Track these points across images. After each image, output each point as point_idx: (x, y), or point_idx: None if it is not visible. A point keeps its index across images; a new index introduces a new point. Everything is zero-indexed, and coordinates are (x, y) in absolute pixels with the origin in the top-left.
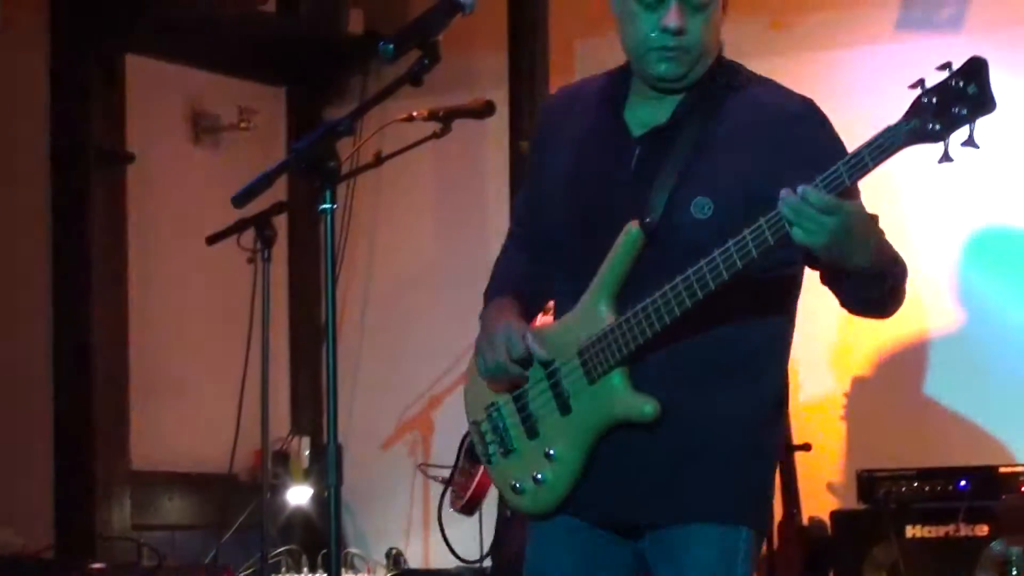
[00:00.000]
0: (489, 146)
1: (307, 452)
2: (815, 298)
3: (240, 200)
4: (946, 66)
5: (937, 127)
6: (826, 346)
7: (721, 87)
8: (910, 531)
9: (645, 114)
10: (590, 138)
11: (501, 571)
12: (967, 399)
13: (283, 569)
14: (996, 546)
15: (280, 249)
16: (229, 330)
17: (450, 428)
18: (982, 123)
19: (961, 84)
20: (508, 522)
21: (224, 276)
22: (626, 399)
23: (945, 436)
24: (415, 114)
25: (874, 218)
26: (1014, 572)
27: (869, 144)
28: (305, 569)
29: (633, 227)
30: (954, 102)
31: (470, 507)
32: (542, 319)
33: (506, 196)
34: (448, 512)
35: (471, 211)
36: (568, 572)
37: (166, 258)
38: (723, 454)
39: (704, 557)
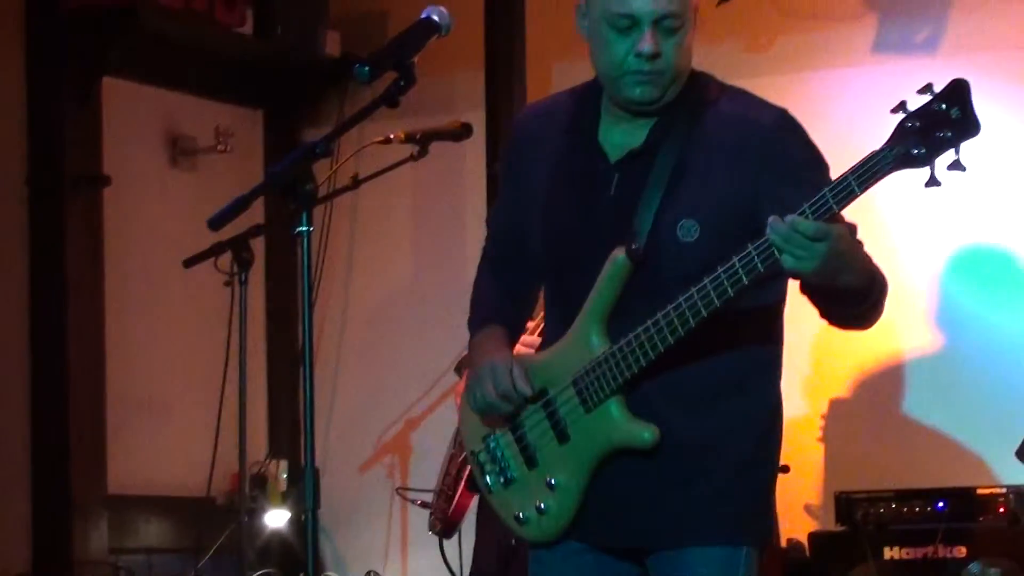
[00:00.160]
0: (466, 168)
1: (285, 475)
2: (791, 319)
3: (217, 223)
4: (927, 89)
5: (922, 152)
6: (803, 367)
7: (695, 104)
8: (888, 553)
9: (619, 137)
10: (566, 163)
11: None
12: (945, 419)
13: None
14: (974, 568)
15: (257, 272)
16: (206, 353)
17: (428, 451)
18: (966, 145)
19: (944, 107)
20: (515, 551)
21: (201, 299)
22: (624, 427)
23: (923, 457)
24: (392, 136)
25: (853, 228)
26: None
27: (855, 171)
28: None
29: (619, 254)
30: (938, 126)
31: (449, 529)
32: (527, 337)
33: (483, 218)
34: (425, 534)
35: (448, 233)
36: None
37: (143, 281)
38: (720, 475)
39: None
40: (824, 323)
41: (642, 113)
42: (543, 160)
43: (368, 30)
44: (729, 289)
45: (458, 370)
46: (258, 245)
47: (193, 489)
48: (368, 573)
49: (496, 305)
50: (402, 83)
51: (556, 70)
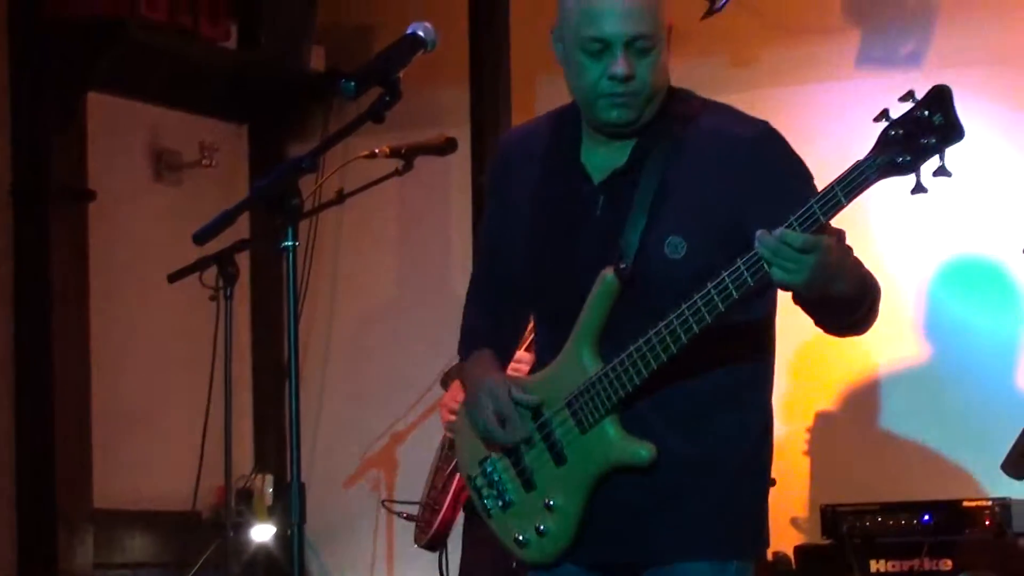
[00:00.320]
0: (451, 182)
1: (270, 489)
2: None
3: (202, 238)
4: (909, 96)
5: (907, 159)
6: (788, 379)
7: (675, 120)
8: (874, 566)
9: (602, 159)
10: (550, 186)
11: None
12: (930, 432)
13: None
14: None
15: (243, 286)
16: (192, 368)
17: (413, 465)
18: (950, 152)
19: (927, 114)
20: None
21: (186, 314)
22: (621, 446)
23: (909, 469)
24: (377, 151)
25: (841, 234)
26: None
27: (840, 181)
28: None
29: (608, 274)
30: (921, 132)
31: (434, 543)
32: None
33: (469, 232)
34: (412, 548)
35: (434, 247)
36: None
37: (128, 296)
38: (714, 491)
39: None
40: (810, 335)
41: (621, 135)
42: (527, 183)
43: (353, 45)
44: (720, 305)
45: (444, 383)
46: (243, 260)
47: (178, 503)
48: None
49: (484, 330)
50: (387, 98)
51: (540, 84)
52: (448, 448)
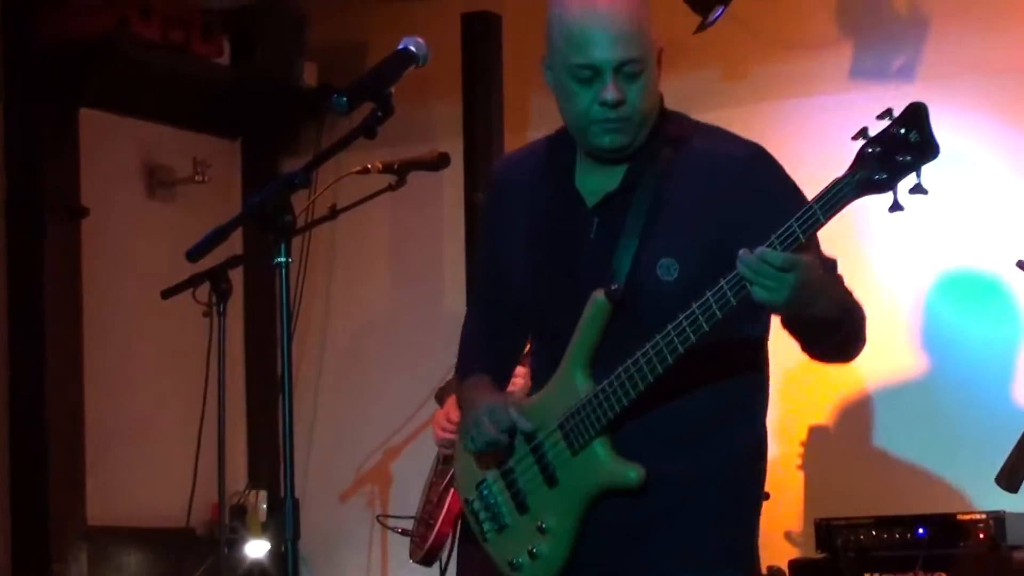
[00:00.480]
0: (444, 198)
1: (264, 505)
2: (771, 347)
3: (195, 254)
4: (886, 114)
5: (884, 177)
6: (781, 392)
7: (668, 143)
8: None
9: (596, 182)
10: (545, 210)
11: None
12: (924, 446)
13: None
14: None
15: (236, 302)
16: (185, 384)
17: (408, 479)
18: (930, 169)
19: (903, 131)
20: None
21: (180, 330)
22: (610, 467)
23: (903, 483)
24: (370, 166)
25: (833, 262)
26: None
27: (819, 199)
28: None
29: (599, 296)
30: (898, 150)
31: (429, 558)
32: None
33: (462, 248)
34: (406, 563)
35: (427, 263)
36: None
37: (121, 312)
38: (704, 510)
39: None
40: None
41: (614, 160)
42: (523, 208)
43: (345, 61)
44: (704, 324)
45: (439, 398)
46: (236, 276)
47: (172, 520)
48: None
49: (481, 355)
50: (380, 113)
51: (533, 99)
52: (443, 462)
